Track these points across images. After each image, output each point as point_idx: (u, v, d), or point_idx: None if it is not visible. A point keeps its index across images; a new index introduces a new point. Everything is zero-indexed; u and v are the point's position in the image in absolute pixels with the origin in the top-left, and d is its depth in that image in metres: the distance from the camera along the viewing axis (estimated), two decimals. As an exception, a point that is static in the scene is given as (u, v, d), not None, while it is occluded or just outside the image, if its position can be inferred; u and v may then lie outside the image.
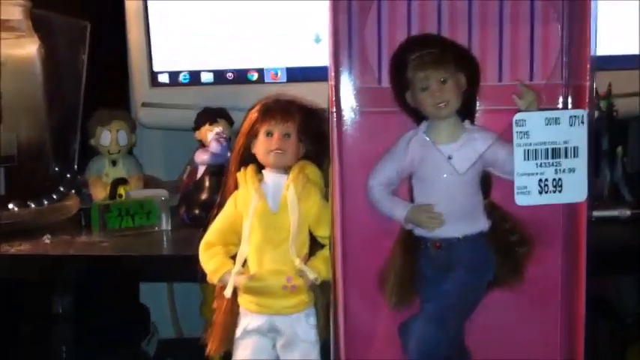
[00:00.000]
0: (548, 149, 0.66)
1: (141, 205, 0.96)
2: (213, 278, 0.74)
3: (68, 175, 1.04)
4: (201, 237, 0.75)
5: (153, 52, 1.14)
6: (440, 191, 0.68)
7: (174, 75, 1.15)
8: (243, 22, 1.12)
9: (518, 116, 0.66)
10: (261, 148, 0.74)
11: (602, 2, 0.69)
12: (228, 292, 0.72)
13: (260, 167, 0.75)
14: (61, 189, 1.02)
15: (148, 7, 1.13)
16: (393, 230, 0.72)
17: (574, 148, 0.66)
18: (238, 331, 0.74)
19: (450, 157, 0.68)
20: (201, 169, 1.00)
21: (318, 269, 0.72)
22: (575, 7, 0.69)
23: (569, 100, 0.70)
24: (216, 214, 0.76)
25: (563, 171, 0.65)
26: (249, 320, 0.74)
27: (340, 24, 0.70)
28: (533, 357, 0.73)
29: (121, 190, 0.99)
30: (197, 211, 0.96)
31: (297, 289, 0.72)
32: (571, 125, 0.65)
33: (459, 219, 0.69)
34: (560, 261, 0.72)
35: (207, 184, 0.98)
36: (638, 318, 1.19)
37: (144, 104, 1.15)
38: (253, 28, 1.12)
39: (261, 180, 0.74)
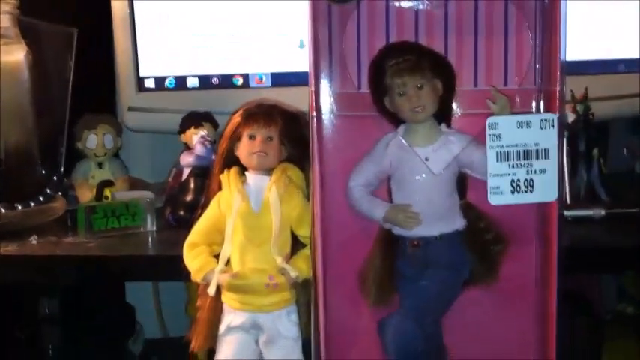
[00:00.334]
0: (519, 151, 0.68)
1: (126, 207, 0.98)
2: (197, 277, 0.75)
3: (55, 178, 1.05)
4: (186, 237, 0.77)
5: (139, 58, 1.16)
6: (417, 192, 0.71)
7: (160, 80, 1.17)
8: (228, 28, 1.14)
9: (490, 120, 0.68)
10: (244, 150, 0.76)
11: (577, 7, 0.71)
12: (211, 290, 0.74)
13: (243, 170, 0.77)
14: (48, 191, 1.03)
15: (135, 14, 1.14)
16: (372, 230, 0.74)
17: (545, 150, 0.68)
18: (222, 328, 0.76)
19: (426, 159, 0.70)
20: (186, 172, 1.01)
21: (300, 268, 0.74)
22: (547, 18, 0.71)
23: (542, 104, 0.72)
24: (201, 214, 0.78)
25: (535, 172, 0.68)
26: (232, 317, 0.75)
27: (320, 32, 0.72)
28: (508, 352, 0.75)
29: (107, 192, 1.00)
30: (182, 213, 0.98)
31: (279, 286, 0.74)
32: (542, 128, 0.67)
33: (436, 218, 0.71)
34: (534, 259, 0.74)
35: (192, 185, 1.00)
36: (617, 315, 1.22)
37: (130, 108, 1.17)
38: (238, 34, 1.14)
39: (244, 182, 0.76)
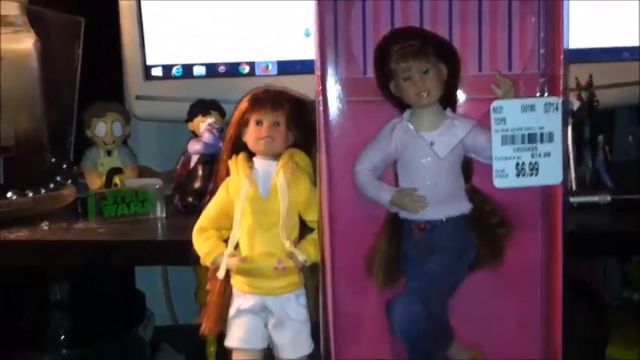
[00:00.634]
0: (524, 134, 0.69)
1: (136, 194, 0.99)
2: (206, 261, 0.77)
3: (64, 166, 1.06)
4: (195, 223, 0.78)
5: (146, 47, 1.17)
6: (423, 175, 0.71)
7: (167, 68, 1.18)
8: (235, 17, 1.15)
9: (495, 104, 0.69)
10: (251, 136, 0.77)
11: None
12: (221, 274, 0.75)
13: (251, 155, 0.78)
14: (58, 179, 1.04)
15: (142, 3, 1.15)
16: (379, 214, 0.74)
17: (549, 133, 0.69)
18: (231, 311, 0.77)
19: (432, 144, 0.71)
20: (194, 159, 1.02)
21: (308, 252, 0.75)
22: (550, 3, 0.72)
23: (546, 88, 0.73)
24: (209, 200, 0.79)
25: (539, 155, 0.69)
26: (241, 300, 0.76)
27: (326, 18, 0.73)
28: (513, 335, 0.76)
29: (117, 179, 1.02)
30: (190, 199, 0.99)
31: (288, 270, 0.75)
32: (546, 112, 0.68)
33: (442, 202, 0.71)
34: (539, 243, 0.74)
35: (200, 172, 1.00)
36: (623, 302, 1.23)
37: (138, 97, 1.18)
38: (245, 23, 1.15)
39: (251, 167, 0.77)
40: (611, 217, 0.91)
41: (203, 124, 1.03)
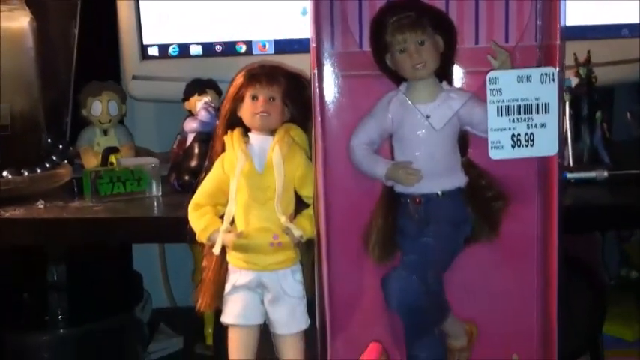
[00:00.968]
0: (520, 105, 0.68)
1: (131, 173, 0.98)
2: (202, 237, 0.76)
3: (60, 146, 1.06)
4: (191, 200, 0.78)
5: (142, 26, 1.16)
6: (419, 149, 0.71)
7: (163, 48, 1.17)
8: (231, -5, 1.15)
9: (491, 74, 0.68)
10: (246, 111, 0.76)
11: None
12: (216, 250, 0.75)
13: (246, 131, 0.77)
14: (54, 158, 1.04)
15: (138, -18, 1.15)
16: (375, 189, 0.74)
17: (545, 104, 0.68)
18: (227, 287, 0.77)
19: (427, 117, 0.71)
20: (190, 138, 1.02)
21: (303, 227, 0.75)
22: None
23: (543, 61, 0.72)
24: (204, 177, 0.78)
25: (535, 126, 0.68)
26: (237, 276, 0.76)
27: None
28: (510, 309, 0.76)
29: (113, 159, 1.02)
30: (187, 178, 0.98)
31: (284, 245, 0.75)
32: (542, 82, 0.68)
33: (438, 175, 0.71)
34: (535, 216, 0.74)
35: (196, 151, 1.00)
36: (621, 280, 1.23)
37: (134, 77, 1.18)
38: (241, 2, 1.15)
39: (247, 142, 0.76)
40: (608, 192, 0.91)
41: (199, 103, 1.02)
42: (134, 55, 1.17)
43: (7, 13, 1.01)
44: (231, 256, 0.76)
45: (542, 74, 0.68)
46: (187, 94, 1.05)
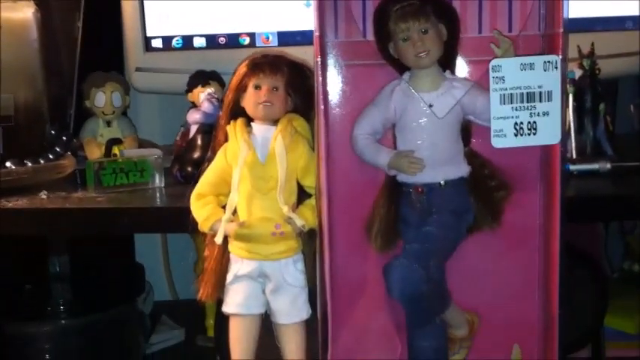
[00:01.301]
0: (523, 93, 0.68)
1: (135, 164, 0.98)
2: (204, 226, 0.76)
3: (64, 137, 1.06)
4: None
5: (146, 18, 1.16)
6: (421, 137, 0.71)
7: (167, 40, 1.17)
8: (235, -13, 1.14)
9: (494, 62, 0.68)
10: (250, 101, 0.76)
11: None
12: (219, 239, 0.75)
13: (249, 121, 0.77)
14: (57, 149, 1.04)
15: (141, -26, 1.15)
16: (378, 179, 0.74)
17: (548, 92, 0.68)
18: (229, 277, 0.77)
19: (430, 106, 0.70)
20: (193, 129, 1.02)
21: (306, 217, 0.75)
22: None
23: (546, 49, 0.72)
24: (207, 167, 0.78)
25: (538, 114, 0.68)
26: (239, 266, 0.76)
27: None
28: (511, 298, 0.76)
29: (116, 150, 1.02)
30: (189, 169, 0.98)
31: (286, 235, 0.75)
32: (545, 70, 0.67)
33: (441, 164, 0.71)
34: (537, 206, 0.74)
35: (199, 142, 0.99)
36: (624, 273, 1.23)
37: (138, 69, 1.18)
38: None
39: (250, 132, 0.76)
40: (611, 184, 0.91)
41: (203, 94, 1.02)
42: (138, 47, 1.17)
43: (11, 4, 1.01)
44: (233, 246, 0.76)
45: (545, 62, 0.67)
46: (191, 86, 1.05)
